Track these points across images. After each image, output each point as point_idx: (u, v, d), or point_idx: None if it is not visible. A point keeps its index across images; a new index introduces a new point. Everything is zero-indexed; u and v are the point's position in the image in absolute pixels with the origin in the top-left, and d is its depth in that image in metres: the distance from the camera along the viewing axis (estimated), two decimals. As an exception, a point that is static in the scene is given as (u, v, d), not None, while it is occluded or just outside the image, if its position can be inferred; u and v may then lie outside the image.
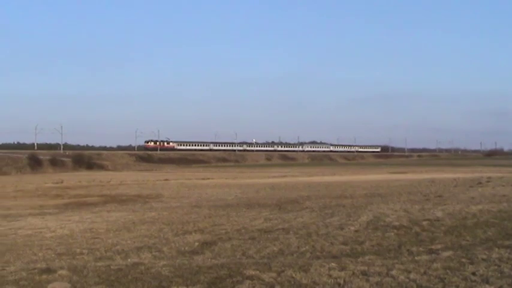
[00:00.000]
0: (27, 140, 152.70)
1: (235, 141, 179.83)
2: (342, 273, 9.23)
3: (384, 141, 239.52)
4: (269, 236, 14.56)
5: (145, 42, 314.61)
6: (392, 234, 14.49)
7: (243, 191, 36.31)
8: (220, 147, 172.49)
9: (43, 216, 22.16)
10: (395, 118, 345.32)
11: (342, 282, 8.67)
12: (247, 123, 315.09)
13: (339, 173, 74.31)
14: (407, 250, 11.85)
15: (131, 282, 8.91)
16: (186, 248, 12.84)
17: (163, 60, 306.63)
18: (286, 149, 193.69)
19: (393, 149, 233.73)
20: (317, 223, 17.17)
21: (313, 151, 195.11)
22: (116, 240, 14.55)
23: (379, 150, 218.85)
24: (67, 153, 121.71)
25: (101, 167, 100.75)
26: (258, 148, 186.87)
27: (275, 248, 12.48)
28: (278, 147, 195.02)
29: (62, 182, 51.59)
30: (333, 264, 9.99)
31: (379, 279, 8.74)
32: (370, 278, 8.83)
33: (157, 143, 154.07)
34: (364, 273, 9.23)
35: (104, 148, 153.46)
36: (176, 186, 44.02)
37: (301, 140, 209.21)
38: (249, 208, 23.09)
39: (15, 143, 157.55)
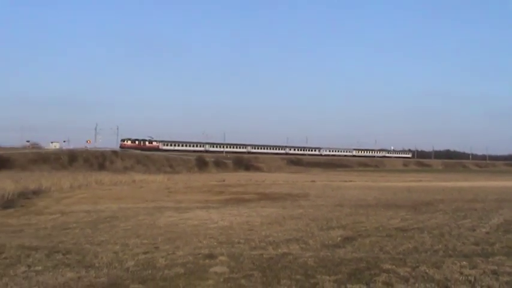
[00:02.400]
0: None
1: (375, 148, 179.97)
2: (473, 271, 8.97)
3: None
4: (405, 234, 14.29)
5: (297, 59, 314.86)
6: (523, 238, 13.79)
7: (382, 192, 35.63)
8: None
9: (207, 209, 22.92)
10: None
11: (472, 279, 8.43)
12: (386, 132, 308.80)
13: (471, 179, 71.19)
14: (537, 253, 11.25)
15: (281, 269, 9.15)
16: (330, 242, 12.85)
17: (310, 73, 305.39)
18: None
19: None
20: (450, 224, 16.61)
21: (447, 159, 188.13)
22: (268, 232, 14.77)
23: None
24: (228, 155, 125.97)
25: (257, 169, 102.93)
26: (396, 155, 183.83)
27: (410, 246, 12.25)
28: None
29: (223, 181, 53.21)
30: (465, 263, 9.71)
31: (509, 279, 8.42)
32: (500, 277, 8.53)
33: (136, 142, 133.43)
34: (494, 272, 8.92)
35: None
36: (321, 187, 43.96)
37: (435, 149, 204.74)
38: (387, 208, 22.68)
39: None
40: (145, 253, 10.98)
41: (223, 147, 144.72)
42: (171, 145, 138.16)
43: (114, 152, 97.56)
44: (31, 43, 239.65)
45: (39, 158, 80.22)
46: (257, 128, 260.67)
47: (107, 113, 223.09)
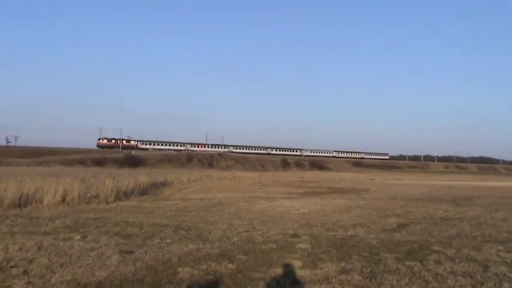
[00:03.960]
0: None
1: (420, 154, 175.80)
2: (508, 255, 8.50)
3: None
4: (448, 222, 13.70)
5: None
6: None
7: (428, 189, 34.36)
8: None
9: (290, 199, 22.91)
10: None
11: (508, 261, 8.01)
12: (432, 141, 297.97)
13: (501, 180, 67.31)
14: None
15: (351, 247, 9.02)
16: (387, 227, 12.54)
17: (366, 91, 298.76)
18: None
19: None
20: (485, 215, 15.79)
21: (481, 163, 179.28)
22: (338, 218, 14.60)
23: None
24: (305, 158, 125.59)
25: (328, 169, 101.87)
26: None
27: (453, 232, 11.73)
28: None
29: (302, 178, 53.05)
30: (500, 247, 9.22)
31: (538, 261, 7.95)
32: (530, 260, 8.06)
33: (113, 141, 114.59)
34: (525, 255, 8.45)
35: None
36: (379, 184, 43.00)
37: (471, 156, 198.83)
38: (432, 202, 21.82)
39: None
40: (245, 231, 11.10)
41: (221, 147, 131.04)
42: (150, 144, 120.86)
43: (220, 155, 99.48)
44: (160, 73, 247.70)
45: (165, 158, 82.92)
46: (328, 135, 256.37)
47: (214, 125, 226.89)
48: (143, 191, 26.20)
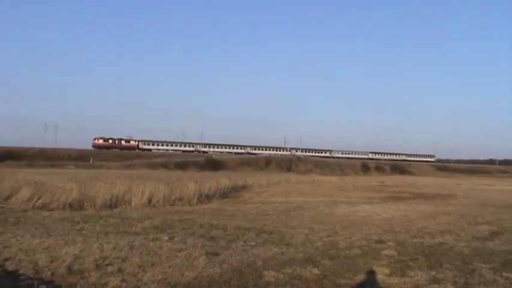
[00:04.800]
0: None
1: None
2: None
3: None
4: (548, 232, 12.78)
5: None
6: None
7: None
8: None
9: (372, 204, 22.42)
10: None
11: None
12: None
13: None
14: None
15: (441, 255, 8.63)
16: (479, 235, 11.89)
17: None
18: None
19: None
20: None
21: None
22: (424, 224, 14.07)
23: None
24: (386, 161, 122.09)
25: (410, 173, 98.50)
26: None
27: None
28: None
29: (383, 182, 51.68)
30: None
31: None
32: None
33: (110, 141, 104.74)
34: None
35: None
36: (466, 189, 40.90)
37: None
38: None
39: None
40: (328, 236, 10.97)
41: (223, 147, 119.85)
42: (153, 144, 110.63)
43: (298, 158, 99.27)
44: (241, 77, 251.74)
45: (244, 162, 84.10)
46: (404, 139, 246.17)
47: (293, 129, 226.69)
48: (224, 194, 26.71)
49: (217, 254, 8.14)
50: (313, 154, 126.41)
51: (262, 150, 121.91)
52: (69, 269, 7.36)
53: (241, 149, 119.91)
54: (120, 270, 7.18)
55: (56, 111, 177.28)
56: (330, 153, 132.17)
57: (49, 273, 7.24)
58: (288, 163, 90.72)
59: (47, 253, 8.17)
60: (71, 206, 17.51)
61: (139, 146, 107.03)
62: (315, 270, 7.31)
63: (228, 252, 8.41)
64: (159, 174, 39.36)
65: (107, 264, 7.47)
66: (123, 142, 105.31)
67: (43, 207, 16.77)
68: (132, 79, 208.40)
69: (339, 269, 7.49)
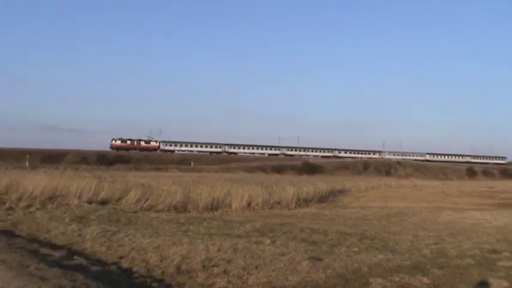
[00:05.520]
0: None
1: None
2: None
3: None
4: None
5: None
6: None
7: None
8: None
9: (481, 211, 21.02)
10: None
11: None
12: None
13: None
14: None
15: None
16: None
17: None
18: None
19: None
20: None
21: None
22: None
23: None
24: (496, 166, 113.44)
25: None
26: None
27: None
28: None
29: (492, 187, 48.32)
30: None
31: None
32: None
33: (128, 141, 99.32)
34: None
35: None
36: None
37: None
38: None
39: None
40: (435, 244, 10.44)
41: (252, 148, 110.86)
42: (175, 145, 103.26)
43: (398, 162, 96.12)
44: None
45: (341, 166, 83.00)
46: None
47: (391, 131, 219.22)
48: (322, 198, 26.53)
49: (320, 259, 8.05)
50: (356, 155, 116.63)
51: (297, 151, 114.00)
52: (178, 268, 7.68)
53: (275, 150, 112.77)
54: (225, 271, 7.36)
55: (160, 119, 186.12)
56: (379, 154, 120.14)
57: (159, 271, 7.61)
58: (387, 167, 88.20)
59: (157, 252, 8.59)
60: (175, 207, 18.35)
61: (161, 147, 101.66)
62: (425, 279, 6.96)
63: (331, 257, 8.28)
64: (257, 178, 40.00)
65: (213, 266, 7.69)
66: (142, 143, 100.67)
67: (150, 208, 17.72)
68: (235, 86, 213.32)
69: (450, 279, 7.07)
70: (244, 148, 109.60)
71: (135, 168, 60.93)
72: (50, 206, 16.02)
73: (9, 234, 11.26)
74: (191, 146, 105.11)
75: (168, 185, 21.27)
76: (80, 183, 18.72)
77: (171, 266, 7.80)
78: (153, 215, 14.99)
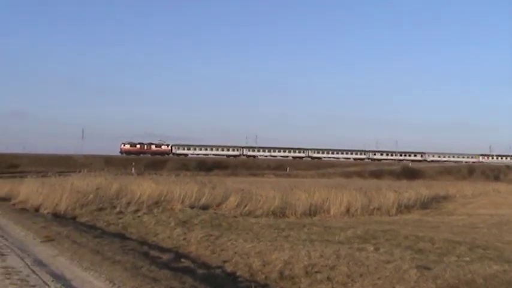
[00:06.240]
0: None
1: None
2: None
3: None
4: None
5: None
6: None
7: None
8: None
9: None
10: None
11: None
12: None
13: None
14: None
15: None
16: None
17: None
18: None
19: None
20: None
21: None
22: None
23: None
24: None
25: None
26: None
27: None
28: None
29: None
30: None
31: None
32: None
33: (138, 145, 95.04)
34: None
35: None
36: None
37: None
38: None
39: None
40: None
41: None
42: (188, 149, 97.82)
43: (508, 166, 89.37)
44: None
45: (444, 170, 79.23)
46: None
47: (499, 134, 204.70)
48: (424, 205, 25.38)
49: (429, 268, 7.66)
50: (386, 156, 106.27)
51: (326, 153, 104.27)
52: (281, 274, 7.71)
53: (301, 152, 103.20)
54: (329, 278, 7.26)
55: (256, 126, 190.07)
56: (421, 156, 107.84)
57: (263, 276, 7.69)
58: (495, 172, 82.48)
59: (259, 257, 8.69)
60: (273, 213, 18.50)
61: (173, 151, 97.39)
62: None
63: (440, 266, 7.85)
64: (355, 183, 39.20)
65: (316, 272, 7.62)
66: (153, 147, 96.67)
67: (249, 213, 18.02)
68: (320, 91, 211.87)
69: None
70: (264, 151, 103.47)
71: (233, 173, 62.47)
72: (155, 210, 16.90)
73: (121, 236, 12.04)
74: (206, 150, 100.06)
75: (266, 191, 21.47)
76: (183, 189, 19.49)
77: (274, 271, 7.85)
78: (253, 220, 15.23)
